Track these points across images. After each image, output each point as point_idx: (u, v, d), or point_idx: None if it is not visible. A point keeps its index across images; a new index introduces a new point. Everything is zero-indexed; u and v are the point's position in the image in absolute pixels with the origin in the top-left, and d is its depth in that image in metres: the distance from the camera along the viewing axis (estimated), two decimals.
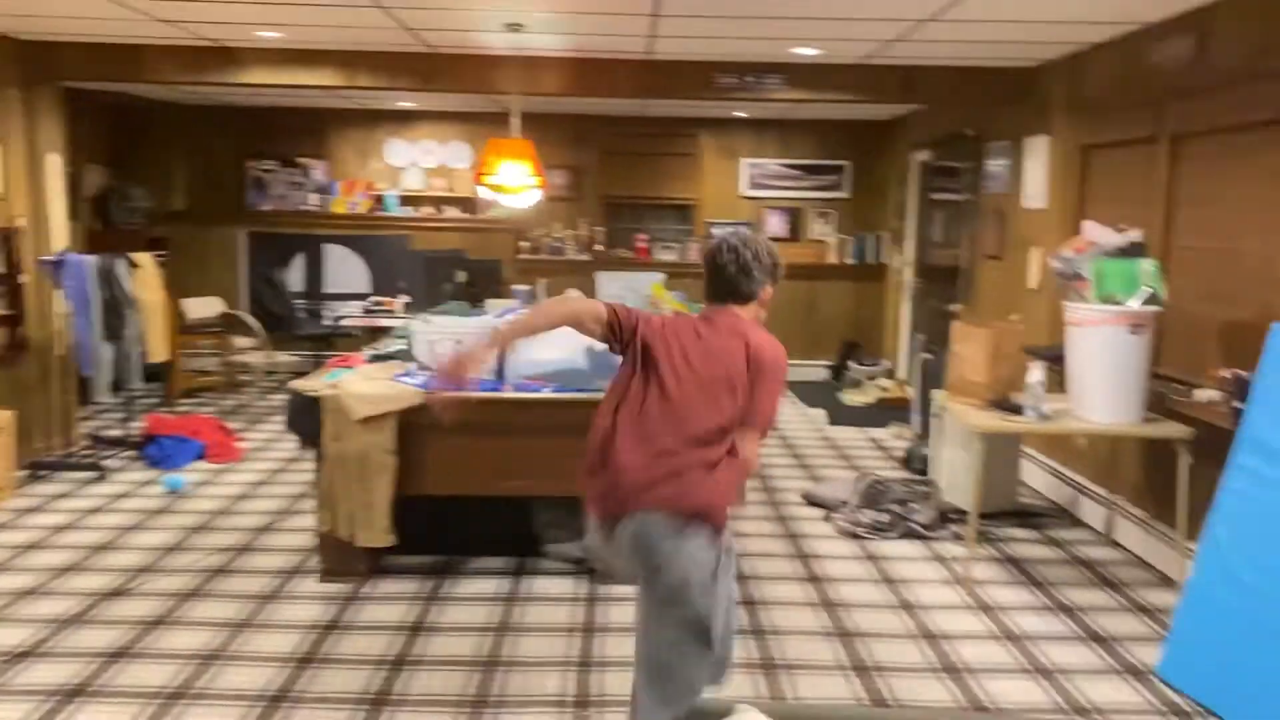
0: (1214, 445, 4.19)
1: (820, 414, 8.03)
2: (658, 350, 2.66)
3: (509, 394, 4.29)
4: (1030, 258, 6.24)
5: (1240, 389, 3.85)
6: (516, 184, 5.65)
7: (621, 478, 2.50)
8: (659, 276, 7.92)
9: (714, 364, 2.62)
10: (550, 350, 4.51)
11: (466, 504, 4.58)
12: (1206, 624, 3.46)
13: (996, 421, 4.40)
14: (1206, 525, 3.56)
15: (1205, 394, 4.26)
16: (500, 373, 4.48)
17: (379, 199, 9.67)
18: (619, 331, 2.72)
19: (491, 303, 7.10)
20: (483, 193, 5.87)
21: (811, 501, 5.69)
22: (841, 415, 7.95)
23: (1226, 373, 4.03)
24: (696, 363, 2.63)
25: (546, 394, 4.27)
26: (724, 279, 2.78)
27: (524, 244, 9.74)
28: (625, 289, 7.74)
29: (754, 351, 2.63)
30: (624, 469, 2.50)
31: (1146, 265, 4.33)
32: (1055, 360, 4.97)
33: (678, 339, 2.68)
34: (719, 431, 2.56)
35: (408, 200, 9.71)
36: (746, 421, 2.59)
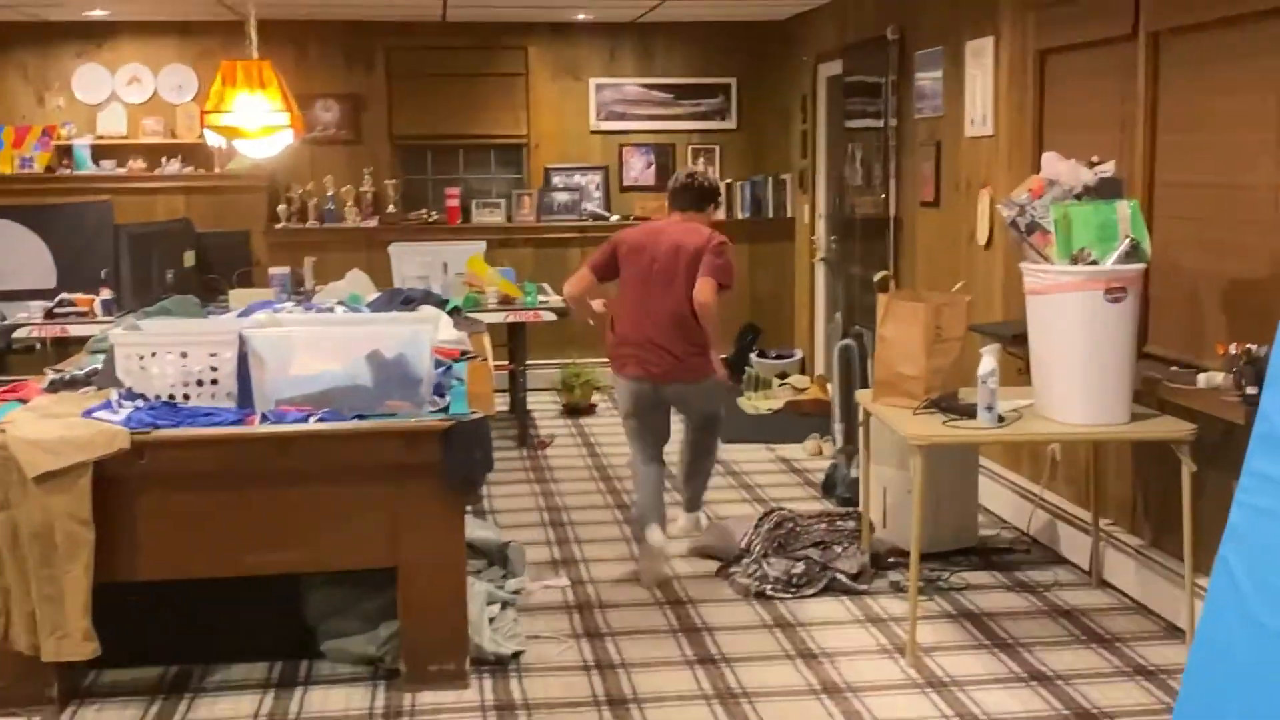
0: (1224, 446, 4.30)
1: None
2: (633, 259, 5.50)
3: (259, 428, 4.17)
4: (978, 204, 6.30)
5: (1254, 369, 3.91)
6: (257, 123, 5.55)
7: (646, 352, 5.48)
8: (478, 247, 8.03)
9: (678, 252, 5.41)
10: (319, 360, 4.40)
11: (207, 590, 4.42)
12: (1223, 686, 3.47)
13: (939, 429, 4.42)
14: (1218, 554, 3.58)
15: (1209, 378, 4.36)
16: (245, 396, 4.36)
17: (65, 151, 9.36)
18: (611, 267, 5.61)
19: (236, 294, 6.90)
20: (211, 138, 5.72)
21: (700, 553, 5.70)
22: (739, 428, 7.89)
23: (1234, 348, 4.11)
24: (664, 257, 5.43)
25: (316, 425, 4.16)
26: (689, 194, 5.63)
27: (282, 209, 9.56)
28: (430, 265, 7.74)
29: (707, 236, 5.44)
30: (644, 343, 5.47)
31: (1125, 209, 4.40)
32: (1015, 341, 5.01)
33: (649, 244, 5.49)
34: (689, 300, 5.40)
35: (107, 151, 9.41)
36: (701, 273, 5.37)
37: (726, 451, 7.40)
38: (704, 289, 5.27)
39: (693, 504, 6.01)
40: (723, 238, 5.52)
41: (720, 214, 6.21)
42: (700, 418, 5.72)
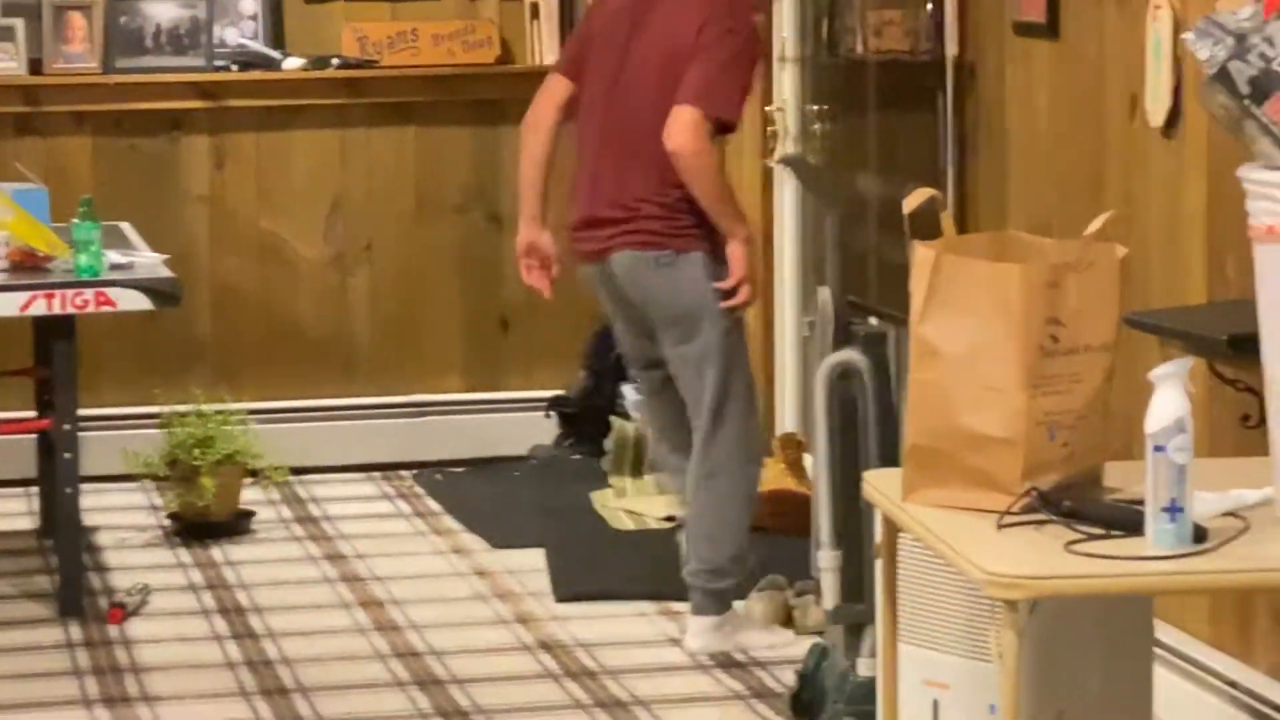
0: None
1: (527, 565, 7.57)
2: (599, 53, 5.91)
3: None
4: (1147, 29, 6.03)
5: None
6: None
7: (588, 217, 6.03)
8: None
9: (663, 42, 5.79)
10: None
11: None
12: None
13: (1059, 560, 3.92)
14: None
15: None
16: None
17: None
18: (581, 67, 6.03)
19: None
20: None
21: None
22: (593, 565, 7.47)
23: None
24: (642, 52, 5.83)
25: None
26: None
27: None
28: None
29: (711, 11, 5.75)
30: (594, 209, 6.02)
31: None
32: (1233, 351, 4.74)
33: (624, 24, 5.84)
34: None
35: None
36: (681, 94, 5.62)
37: (564, 626, 7.19)
38: (679, 126, 5.56)
39: (703, 599, 6.19)
40: (747, 11, 5.89)
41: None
42: (680, 366, 6.12)
